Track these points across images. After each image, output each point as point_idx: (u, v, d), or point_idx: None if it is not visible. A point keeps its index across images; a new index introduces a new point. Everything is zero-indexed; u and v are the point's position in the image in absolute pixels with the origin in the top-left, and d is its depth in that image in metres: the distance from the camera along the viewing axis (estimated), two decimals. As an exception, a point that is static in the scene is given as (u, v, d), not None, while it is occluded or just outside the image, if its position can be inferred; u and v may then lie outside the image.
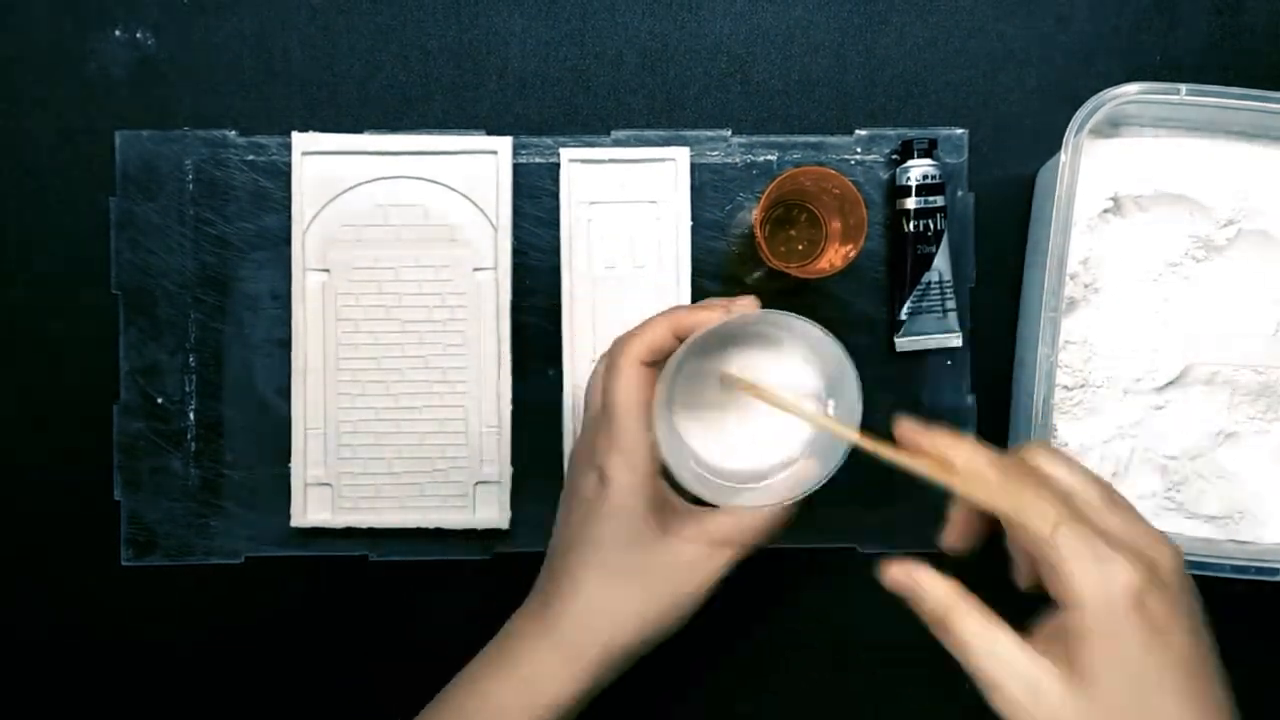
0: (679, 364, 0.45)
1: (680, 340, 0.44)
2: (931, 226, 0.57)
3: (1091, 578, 0.35)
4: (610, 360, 0.45)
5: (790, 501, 0.45)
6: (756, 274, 0.58)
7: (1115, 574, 0.35)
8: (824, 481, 0.44)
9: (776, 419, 0.46)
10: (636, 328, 0.46)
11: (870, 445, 0.42)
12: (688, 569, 0.45)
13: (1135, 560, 0.35)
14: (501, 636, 0.48)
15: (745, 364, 0.47)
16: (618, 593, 0.45)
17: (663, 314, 0.46)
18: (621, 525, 0.44)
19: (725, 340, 0.47)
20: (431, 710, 0.48)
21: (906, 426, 0.42)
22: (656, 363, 0.45)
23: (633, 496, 0.44)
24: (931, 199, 0.57)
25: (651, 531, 0.45)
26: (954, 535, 0.43)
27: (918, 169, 0.57)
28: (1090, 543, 0.35)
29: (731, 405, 0.48)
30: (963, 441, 0.40)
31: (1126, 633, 0.34)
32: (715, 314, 0.44)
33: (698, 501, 0.45)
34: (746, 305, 0.45)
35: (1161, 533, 0.37)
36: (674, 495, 0.46)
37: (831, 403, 0.47)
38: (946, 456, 0.40)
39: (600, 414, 0.45)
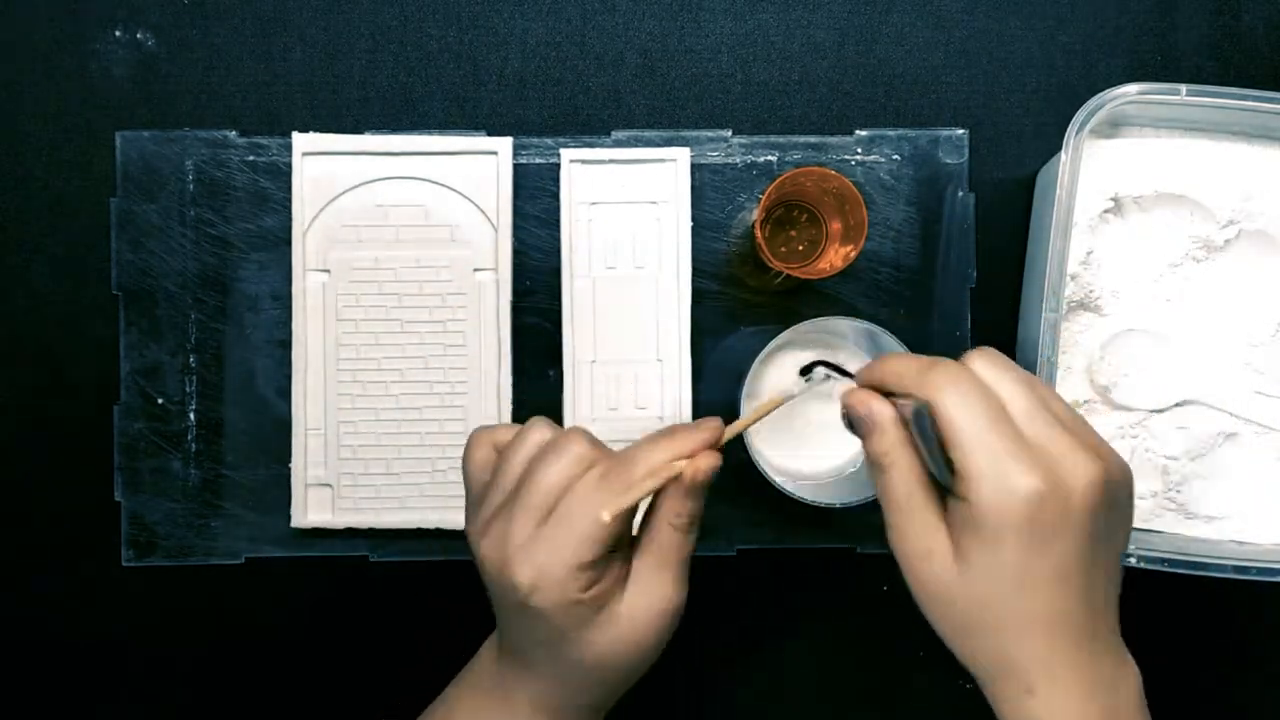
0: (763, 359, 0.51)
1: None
2: None
3: (988, 480, 0.37)
4: (608, 480, 0.41)
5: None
6: (767, 277, 0.58)
7: (1010, 479, 0.37)
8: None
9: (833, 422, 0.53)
10: (634, 460, 0.42)
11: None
12: (633, 626, 0.42)
13: (1035, 469, 0.37)
14: (467, 687, 0.47)
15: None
16: (572, 671, 0.43)
17: (654, 450, 0.42)
18: (558, 617, 0.41)
19: (787, 347, 0.55)
20: None
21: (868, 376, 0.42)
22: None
23: (565, 608, 0.41)
24: None
25: (590, 609, 0.41)
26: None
27: None
28: (992, 445, 0.37)
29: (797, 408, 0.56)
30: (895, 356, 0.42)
31: (1008, 536, 0.37)
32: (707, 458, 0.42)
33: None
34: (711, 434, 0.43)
35: (1094, 447, 0.38)
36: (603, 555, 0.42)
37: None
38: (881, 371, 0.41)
39: (551, 519, 0.41)
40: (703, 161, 0.59)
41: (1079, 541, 0.37)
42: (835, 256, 0.55)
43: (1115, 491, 0.38)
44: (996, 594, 0.38)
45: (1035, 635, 0.38)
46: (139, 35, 0.59)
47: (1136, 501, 0.56)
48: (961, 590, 0.38)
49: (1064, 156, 0.52)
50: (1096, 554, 0.38)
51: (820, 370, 0.50)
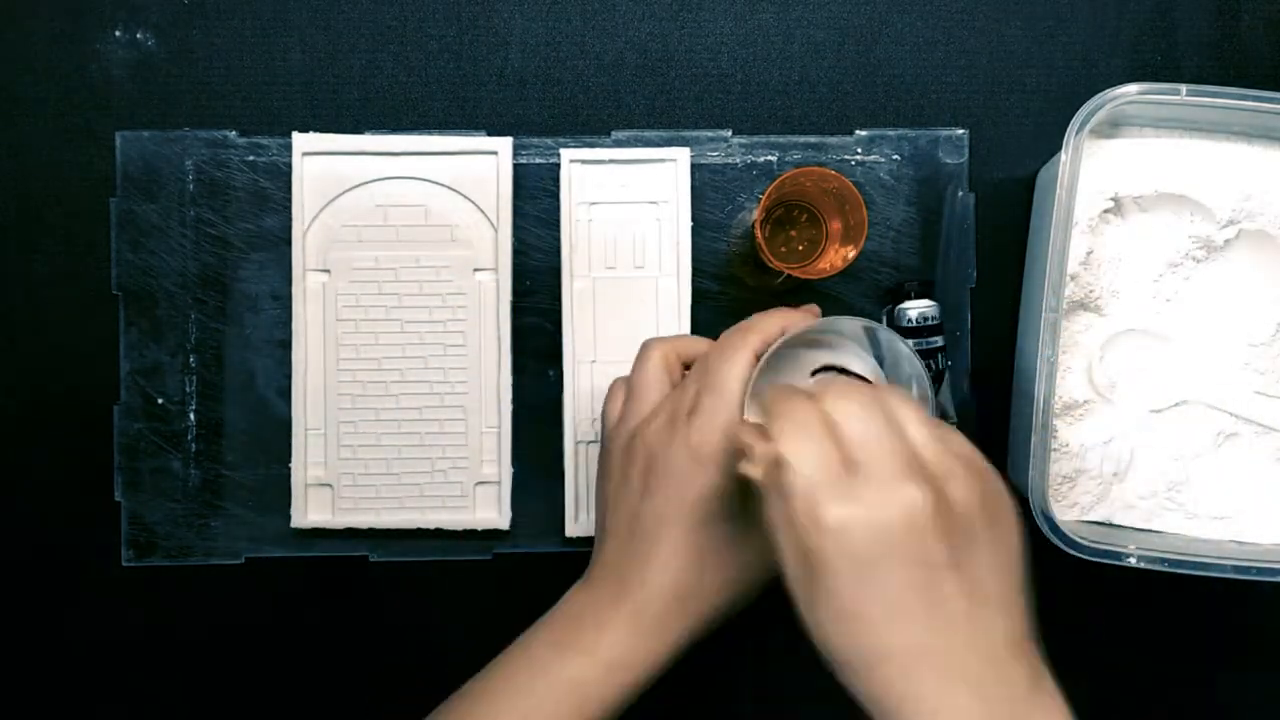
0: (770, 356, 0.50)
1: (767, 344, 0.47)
2: (933, 366, 0.56)
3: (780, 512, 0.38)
4: (726, 345, 0.47)
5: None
6: (767, 277, 0.58)
7: (824, 507, 0.37)
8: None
9: None
10: (749, 322, 0.48)
11: None
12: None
13: (848, 500, 0.37)
14: (568, 617, 0.47)
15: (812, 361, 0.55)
16: (711, 571, 0.45)
17: (772, 313, 0.48)
18: (720, 502, 0.44)
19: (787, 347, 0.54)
20: (489, 692, 0.47)
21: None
22: (759, 354, 0.47)
23: (731, 474, 0.44)
24: (931, 340, 0.57)
25: (741, 504, 0.45)
26: None
27: (914, 310, 0.57)
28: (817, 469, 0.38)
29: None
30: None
31: (828, 564, 0.37)
32: (805, 317, 0.48)
33: None
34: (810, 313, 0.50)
35: (929, 475, 0.37)
36: None
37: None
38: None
39: (702, 392, 0.46)
40: (703, 161, 0.59)
41: (907, 571, 0.36)
42: (835, 256, 0.55)
43: (957, 519, 0.37)
44: (843, 630, 0.37)
45: (900, 669, 0.36)
46: (139, 35, 0.59)
47: (1137, 501, 0.57)
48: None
49: (1064, 156, 0.52)
50: (942, 583, 0.36)
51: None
